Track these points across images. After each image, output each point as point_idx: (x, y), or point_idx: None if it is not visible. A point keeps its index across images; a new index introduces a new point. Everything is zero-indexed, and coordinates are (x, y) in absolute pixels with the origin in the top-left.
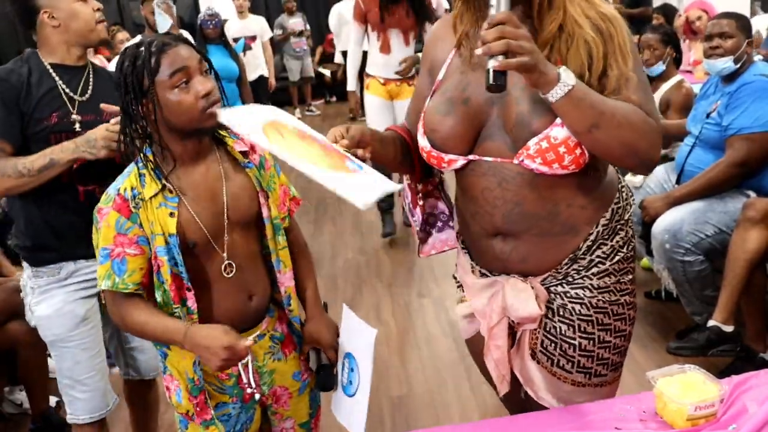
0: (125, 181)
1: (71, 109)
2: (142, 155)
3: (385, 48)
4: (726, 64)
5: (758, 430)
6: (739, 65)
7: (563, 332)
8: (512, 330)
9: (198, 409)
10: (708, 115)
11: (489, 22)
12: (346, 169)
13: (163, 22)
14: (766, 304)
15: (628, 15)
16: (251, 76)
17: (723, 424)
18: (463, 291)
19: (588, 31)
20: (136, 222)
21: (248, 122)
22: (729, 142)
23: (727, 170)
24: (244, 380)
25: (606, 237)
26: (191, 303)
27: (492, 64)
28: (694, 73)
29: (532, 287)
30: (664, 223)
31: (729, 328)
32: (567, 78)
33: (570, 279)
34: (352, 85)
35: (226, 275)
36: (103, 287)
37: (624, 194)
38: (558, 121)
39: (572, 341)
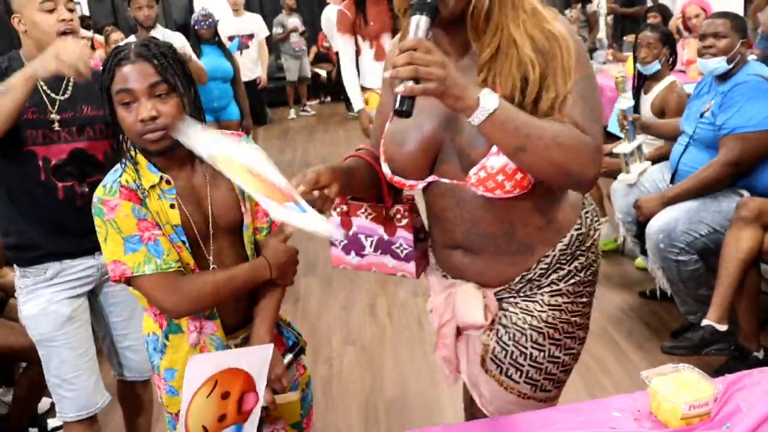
0: (123, 174)
1: (50, 107)
2: (132, 151)
3: (381, 54)
4: (718, 64)
5: (752, 429)
6: (732, 65)
7: (517, 339)
8: (461, 332)
9: None
10: (702, 115)
11: (400, 48)
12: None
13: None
14: (759, 303)
15: (622, 14)
16: (249, 76)
17: (717, 424)
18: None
19: (527, 51)
20: (149, 209)
21: (200, 141)
22: (722, 142)
23: (721, 169)
24: None
25: (563, 262)
26: None
27: (398, 89)
28: (687, 73)
29: (485, 296)
30: (659, 222)
31: (723, 328)
32: (487, 102)
33: (523, 294)
34: (359, 103)
35: None
36: (147, 272)
37: (588, 220)
38: (494, 149)
39: (524, 350)
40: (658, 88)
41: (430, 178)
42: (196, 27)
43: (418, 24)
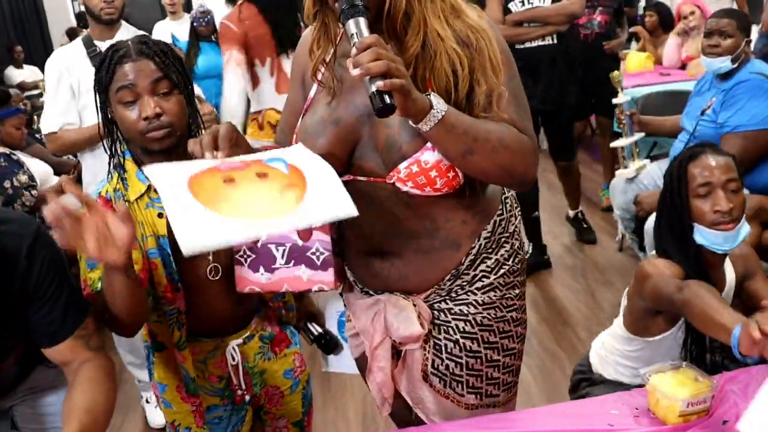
0: (106, 185)
1: None
2: (121, 157)
3: (285, 83)
4: (723, 63)
5: None
6: (736, 65)
7: (450, 350)
8: (397, 350)
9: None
10: (703, 112)
11: (358, 46)
12: (303, 182)
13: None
14: None
15: None
16: None
17: (715, 420)
18: (347, 309)
19: (452, 44)
20: None
21: (171, 177)
22: (724, 140)
23: None
24: (235, 382)
25: (489, 250)
26: (181, 304)
27: (378, 84)
28: (686, 70)
29: (415, 305)
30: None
31: None
32: (439, 105)
33: (454, 295)
34: None
35: (211, 278)
36: (99, 288)
37: (508, 205)
38: (429, 144)
39: (459, 360)
40: None
41: (346, 177)
42: (194, 24)
43: (359, 25)
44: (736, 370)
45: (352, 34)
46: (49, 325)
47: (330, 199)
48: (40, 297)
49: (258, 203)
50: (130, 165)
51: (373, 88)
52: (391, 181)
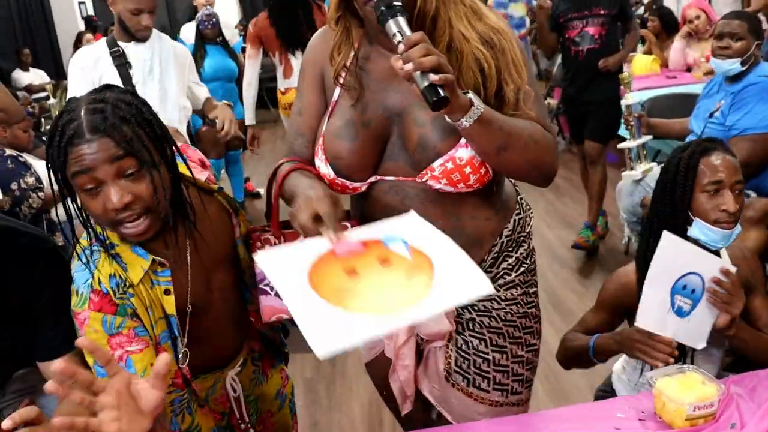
0: (94, 273)
1: None
2: (104, 230)
3: (289, 71)
4: (733, 65)
5: (759, 430)
6: (745, 67)
7: (476, 347)
8: (419, 348)
9: None
10: (711, 115)
11: (406, 42)
12: (430, 266)
13: None
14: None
15: None
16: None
17: (722, 424)
18: None
19: (477, 45)
20: (126, 314)
21: (288, 270)
22: (732, 143)
23: None
24: (238, 416)
25: (510, 249)
26: (181, 384)
27: (432, 78)
28: (693, 73)
29: None
30: None
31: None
32: (478, 102)
33: None
34: (250, 118)
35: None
36: None
37: (523, 206)
38: (462, 141)
39: (486, 356)
40: None
41: (374, 178)
42: (200, 27)
43: (399, 24)
44: (743, 374)
45: (394, 33)
46: (49, 341)
47: (461, 280)
48: (45, 316)
49: (386, 295)
50: (116, 238)
51: (426, 83)
52: (423, 179)
